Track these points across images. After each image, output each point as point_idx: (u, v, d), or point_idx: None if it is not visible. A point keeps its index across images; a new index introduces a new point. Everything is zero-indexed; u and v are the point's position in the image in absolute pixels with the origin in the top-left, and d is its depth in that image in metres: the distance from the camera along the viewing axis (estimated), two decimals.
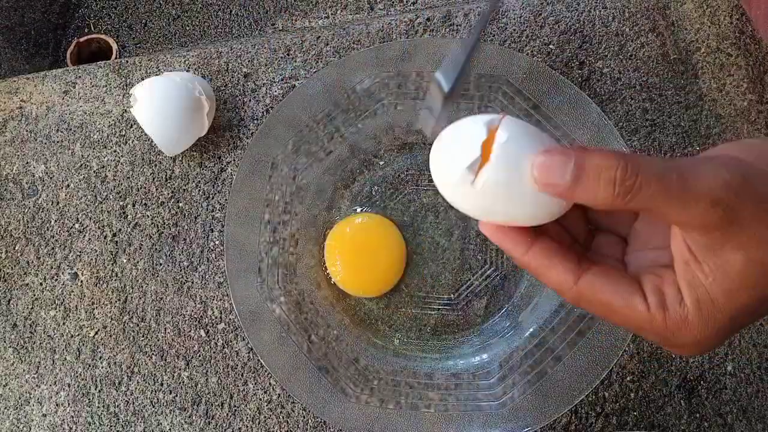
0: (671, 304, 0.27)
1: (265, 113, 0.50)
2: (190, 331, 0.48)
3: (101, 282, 0.49)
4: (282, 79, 0.51)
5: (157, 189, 0.50)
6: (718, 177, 0.25)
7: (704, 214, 0.25)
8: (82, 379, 0.48)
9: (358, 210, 0.48)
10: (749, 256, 0.25)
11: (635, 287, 0.28)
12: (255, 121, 0.50)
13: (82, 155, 0.51)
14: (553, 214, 0.29)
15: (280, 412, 0.46)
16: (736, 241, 0.25)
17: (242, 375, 0.47)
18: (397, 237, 0.47)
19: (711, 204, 0.25)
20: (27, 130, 0.52)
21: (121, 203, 0.50)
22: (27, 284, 0.49)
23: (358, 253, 0.47)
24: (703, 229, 0.25)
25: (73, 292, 0.49)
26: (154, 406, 0.47)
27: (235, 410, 0.46)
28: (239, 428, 0.46)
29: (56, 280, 0.49)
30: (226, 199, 0.49)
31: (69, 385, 0.48)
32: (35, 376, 0.48)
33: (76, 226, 0.50)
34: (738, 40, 0.50)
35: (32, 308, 0.49)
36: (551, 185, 0.27)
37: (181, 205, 0.50)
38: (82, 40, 0.91)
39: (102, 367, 0.48)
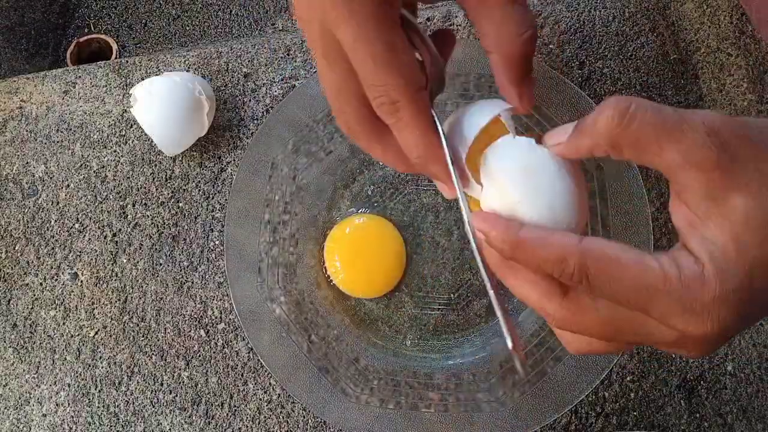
0: (685, 262, 0.25)
1: (265, 113, 0.50)
2: (190, 331, 0.48)
3: (101, 282, 0.49)
4: (282, 79, 0.51)
5: (157, 189, 0.50)
6: (715, 114, 0.25)
7: (701, 145, 0.24)
8: (82, 379, 0.48)
9: (357, 211, 0.48)
10: (753, 199, 0.24)
11: (644, 252, 0.26)
12: (255, 121, 0.50)
13: (82, 155, 0.51)
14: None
15: (280, 412, 0.46)
16: (737, 182, 0.24)
17: (242, 375, 0.47)
18: (396, 237, 0.47)
19: (707, 133, 0.24)
20: (27, 130, 0.52)
21: (121, 203, 0.50)
22: (27, 284, 0.49)
23: (358, 254, 0.47)
24: (700, 167, 0.24)
25: (73, 292, 0.49)
26: (154, 406, 0.47)
27: (235, 410, 0.46)
28: (239, 428, 0.46)
29: (56, 280, 0.49)
30: (226, 199, 0.49)
31: (69, 385, 0.48)
32: (35, 376, 0.48)
33: (76, 226, 0.50)
34: (738, 40, 0.50)
35: (32, 308, 0.49)
36: (558, 141, 0.29)
37: (181, 205, 0.50)
38: (82, 40, 0.91)
39: (102, 367, 0.48)
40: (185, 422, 0.46)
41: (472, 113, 0.32)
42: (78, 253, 0.49)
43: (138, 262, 0.49)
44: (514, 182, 0.29)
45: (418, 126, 0.30)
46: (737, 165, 0.24)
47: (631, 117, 0.25)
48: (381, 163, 0.49)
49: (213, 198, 0.50)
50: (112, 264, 0.49)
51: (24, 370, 0.48)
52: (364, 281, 0.47)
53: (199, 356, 0.47)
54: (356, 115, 0.32)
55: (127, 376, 0.47)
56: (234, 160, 0.50)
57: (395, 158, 0.33)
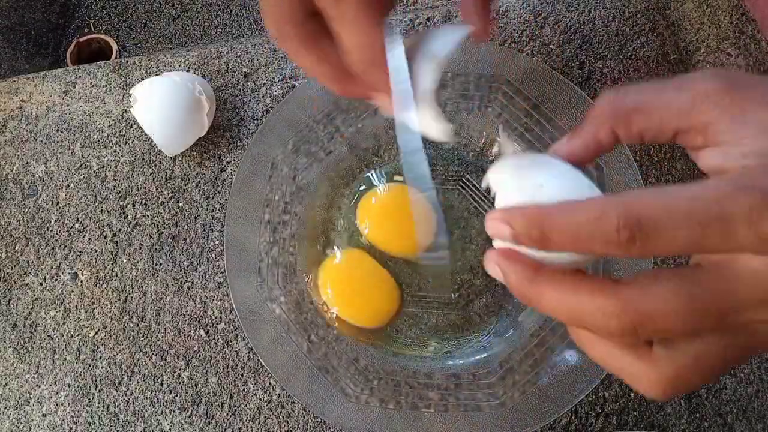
0: (729, 165, 0.24)
1: (265, 113, 0.50)
2: (190, 331, 0.48)
3: (101, 282, 0.49)
4: (282, 79, 0.51)
5: (157, 189, 0.50)
6: (712, 68, 0.26)
7: (705, 80, 0.24)
8: (82, 379, 0.48)
9: (356, 212, 0.48)
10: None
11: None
12: (255, 121, 0.50)
13: (82, 155, 0.51)
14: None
15: (280, 412, 0.46)
16: (752, 102, 0.24)
17: (242, 375, 0.47)
18: (383, 273, 0.47)
19: (711, 74, 0.25)
20: (27, 130, 0.52)
21: (121, 203, 0.50)
22: (27, 284, 0.49)
23: (351, 288, 0.46)
24: (709, 94, 0.24)
25: (73, 292, 0.49)
26: (154, 406, 0.47)
27: (235, 410, 0.46)
28: (239, 428, 0.46)
29: (56, 280, 0.49)
30: (226, 199, 0.49)
31: (69, 385, 0.48)
32: (35, 376, 0.48)
33: (76, 226, 0.50)
34: (738, 40, 0.50)
35: (32, 308, 0.49)
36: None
37: (181, 205, 0.50)
38: (82, 40, 0.91)
39: (102, 367, 0.48)
40: (185, 422, 0.46)
41: (434, 37, 0.30)
42: (78, 253, 0.49)
43: (138, 262, 0.49)
44: (531, 169, 0.27)
45: (362, 22, 0.26)
46: (745, 90, 0.24)
47: (627, 89, 0.25)
48: (381, 162, 0.49)
49: (213, 198, 0.50)
50: (112, 264, 0.49)
51: (24, 370, 0.48)
52: (360, 315, 0.46)
53: (199, 356, 0.47)
54: (291, 12, 0.27)
55: (127, 376, 0.47)
56: (234, 160, 0.50)
57: (330, 72, 0.29)
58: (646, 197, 0.22)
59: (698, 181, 0.22)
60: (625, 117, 0.25)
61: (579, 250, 0.23)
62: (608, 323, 0.23)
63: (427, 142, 0.30)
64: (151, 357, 0.47)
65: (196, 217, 0.49)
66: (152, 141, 0.49)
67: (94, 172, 0.51)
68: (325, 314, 0.45)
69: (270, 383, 0.46)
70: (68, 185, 0.51)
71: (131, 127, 0.51)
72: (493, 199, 0.27)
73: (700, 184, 0.22)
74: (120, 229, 0.50)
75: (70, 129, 0.52)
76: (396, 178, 0.48)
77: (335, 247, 0.47)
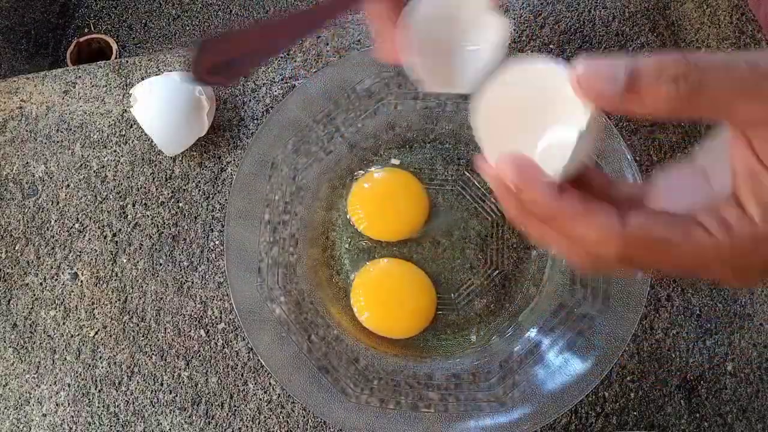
0: (736, 221, 0.23)
1: (265, 113, 0.50)
2: (190, 331, 0.48)
3: (101, 282, 0.49)
4: (282, 79, 0.51)
5: (157, 189, 0.50)
6: None
7: None
8: (82, 379, 0.48)
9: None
10: None
11: (689, 218, 0.24)
12: (255, 121, 0.50)
13: (82, 155, 0.51)
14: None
15: (280, 412, 0.46)
16: None
17: (242, 375, 0.47)
18: (423, 279, 0.47)
19: None
20: (27, 130, 0.52)
21: (121, 203, 0.50)
22: (27, 284, 0.49)
23: (388, 296, 0.46)
24: None
25: (73, 292, 0.49)
26: (154, 406, 0.47)
27: (235, 410, 0.46)
28: (239, 428, 0.46)
29: (56, 280, 0.49)
30: (226, 199, 0.49)
31: (69, 385, 0.47)
32: (35, 376, 0.48)
33: (76, 226, 0.50)
34: (738, 40, 0.50)
35: (32, 308, 0.49)
36: (599, 94, 0.23)
37: (181, 205, 0.50)
38: (82, 40, 0.91)
39: (102, 367, 0.48)
40: (185, 422, 0.46)
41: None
42: (78, 253, 0.49)
43: (138, 262, 0.49)
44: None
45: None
46: None
47: (702, 87, 0.22)
48: (380, 162, 0.49)
49: (213, 198, 0.50)
50: (112, 264, 0.49)
51: (24, 370, 0.48)
52: (392, 323, 0.47)
53: (199, 356, 0.47)
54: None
55: (127, 376, 0.47)
56: (234, 160, 0.50)
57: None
58: (649, 234, 0.24)
59: (703, 215, 0.24)
60: (694, 98, 0.23)
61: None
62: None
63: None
64: (151, 357, 0.47)
65: (196, 217, 0.49)
66: (152, 141, 0.49)
67: (94, 172, 0.51)
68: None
69: (270, 383, 0.46)
70: (68, 185, 0.51)
71: (131, 127, 0.51)
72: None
73: (703, 234, 0.23)
74: (120, 229, 0.50)
75: (70, 129, 0.52)
76: (393, 161, 0.48)
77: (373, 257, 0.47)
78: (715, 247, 0.23)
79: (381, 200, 0.47)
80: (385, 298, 0.46)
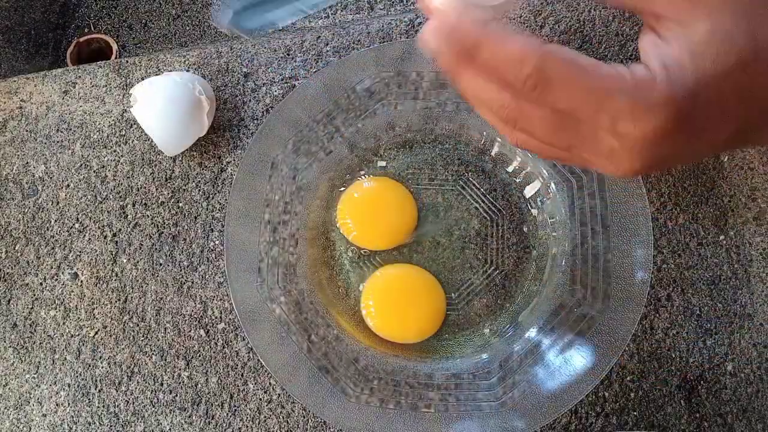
0: (638, 69, 0.27)
1: (265, 113, 0.50)
2: (190, 331, 0.48)
3: (101, 282, 0.49)
4: (282, 79, 0.51)
5: (157, 189, 0.50)
6: None
7: None
8: (82, 379, 0.48)
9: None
10: (714, 23, 0.26)
11: (599, 61, 0.28)
12: (255, 121, 0.50)
13: (82, 155, 0.51)
14: None
15: (280, 412, 0.46)
16: (702, 10, 0.26)
17: (242, 375, 0.47)
18: (431, 279, 0.47)
19: None
20: (27, 130, 0.52)
21: (121, 203, 0.50)
22: (27, 284, 0.49)
23: (398, 300, 0.46)
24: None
25: (73, 292, 0.49)
26: (154, 406, 0.47)
27: (235, 410, 0.46)
28: (239, 428, 0.46)
29: (56, 280, 0.49)
30: (226, 199, 0.49)
31: (69, 385, 0.48)
32: (35, 376, 0.48)
33: (76, 226, 0.50)
34: None
35: (32, 308, 0.49)
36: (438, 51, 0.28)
37: (181, 205, 0.50)
38: (82, 40, 0.91)
39: (102, 367, 0.48)
40: (185, 422, 0.46)
41: None
42: (78, 253, 0.49)
43: (138, 262, 0.49)
44: None
45: None
46: None
47: None
48: (379, 162, 0.49)
49: (213, 198, 0.50)
50: (112, 264, 0.49)
51: (24, 370, 0.48)
52: (400, 327, 0.47)
53: (199, 356, 0.47)
54: None
55: (127, 376, 0.47)
56: (234, 160, 0.50)
57: None
58: (565, 55, 0.27)
59: (613, 64, 0.27)
60: None
61: (488, 78, 0.28)
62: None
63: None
64: (151, 357, 0.47)
65: (196, 217, 0.49)
66: (152, 141, 0.49)
67: (94, 172, 0.51)
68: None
69: (270, 383, 0.46)
70: (68, 185, 0.51)
71: (131, 127, 0.51)
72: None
73: (610, 68, 0.27)
74: (120, 229, 0.50)
75: (70, 129, 0.52)
76: (380, 163, 0.48)
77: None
78: (618, 78, 0.27)
79: (366, 211, 0.47)
80: (398, 306, 0.46)
